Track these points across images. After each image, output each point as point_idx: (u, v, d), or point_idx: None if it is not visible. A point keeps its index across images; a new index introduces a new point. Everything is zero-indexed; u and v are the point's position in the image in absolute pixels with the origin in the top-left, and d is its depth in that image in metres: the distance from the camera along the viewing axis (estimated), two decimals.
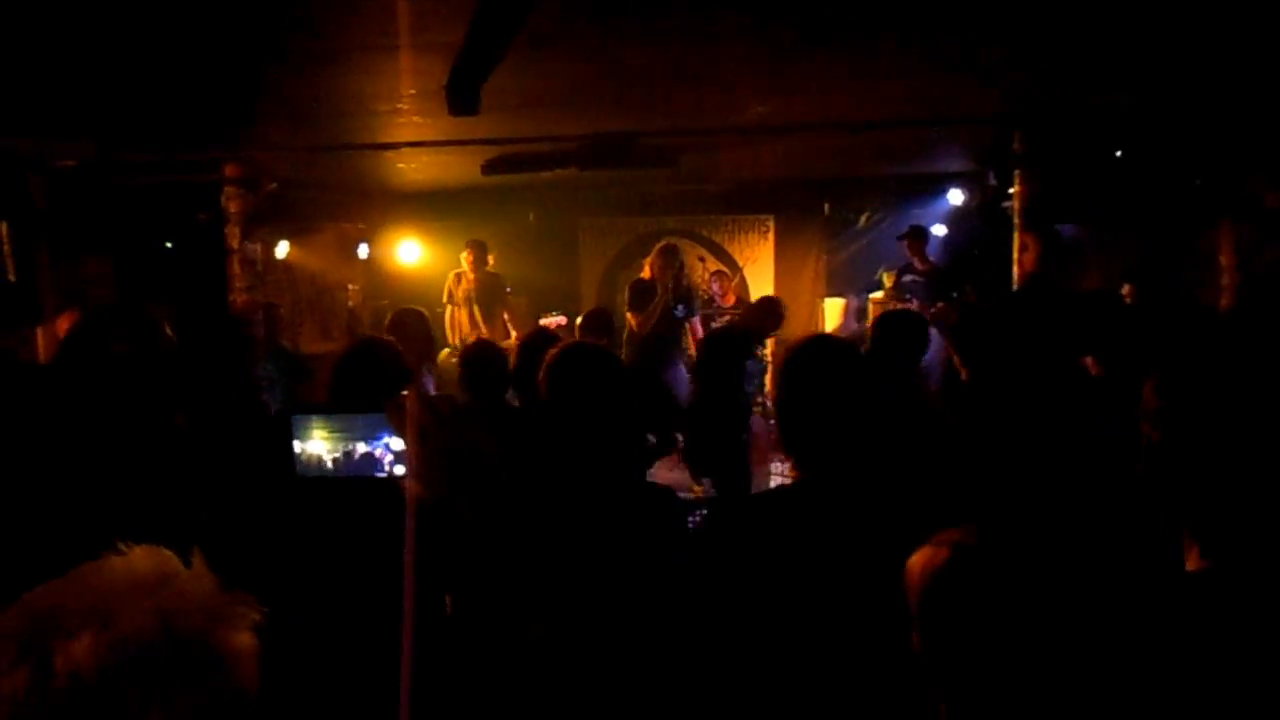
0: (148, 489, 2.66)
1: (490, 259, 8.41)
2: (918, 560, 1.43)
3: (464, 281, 8.14)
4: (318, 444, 1.66)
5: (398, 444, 1.57)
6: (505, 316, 8.25)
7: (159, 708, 0.88)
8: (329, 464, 1.65)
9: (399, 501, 1.29)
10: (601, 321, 5.88)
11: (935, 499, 2.31)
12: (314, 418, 1.66)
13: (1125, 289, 5.52)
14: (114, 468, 2.70)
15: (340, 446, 1.63)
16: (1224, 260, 6.05)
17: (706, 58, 4.19)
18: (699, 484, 6.96)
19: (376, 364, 2.51)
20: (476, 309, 7.99)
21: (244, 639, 0.96)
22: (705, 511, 4.29)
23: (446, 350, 8.20)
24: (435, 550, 1.27)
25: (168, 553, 1.00)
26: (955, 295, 7.60)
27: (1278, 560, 1.32)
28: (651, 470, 5.41)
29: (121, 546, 1.00)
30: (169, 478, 2.94)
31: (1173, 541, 1.48)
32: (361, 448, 1.61)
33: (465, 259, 8.14)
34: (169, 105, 4.66)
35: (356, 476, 1.63)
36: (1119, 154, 5.97)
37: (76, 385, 2.88)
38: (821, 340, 2.15)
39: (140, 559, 0.99)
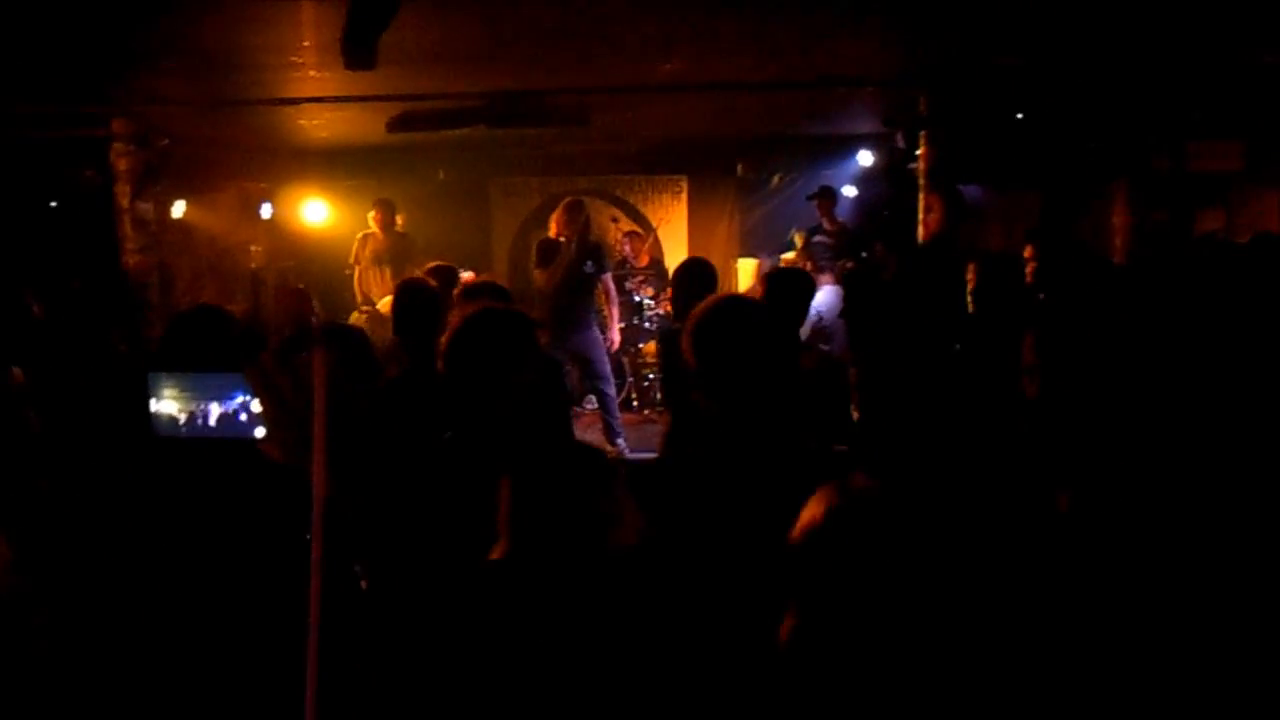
0: None
1: (399, 219, 8.22)
2: (811, 505, 1.48)
3: (371, 242, 7.95)
4: (172, 404, 1.60)
5: (257, 406, 1.53)
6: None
7: None
8: (183, 424, 1.60)
9: (260, 465, 1.25)
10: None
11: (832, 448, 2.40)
12: (169, 376, 1.60)
13: (1026, 249, 5.67)
14: None
15: (196, 406, 1.58)
16: (1117, 220, 6.26)
17: (611, 14, 4.12)
18: (613, 445, 6.98)
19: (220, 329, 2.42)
20: (387, 270, 7.81)
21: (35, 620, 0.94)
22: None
23: (355, 313, 8.02)
24: (299, 518, 1.23)
25: None
26: (864, 255, 7.72)
27: (1141, 504, 1.39)
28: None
29: None
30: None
31: (1047, 488, 1.54)
32: (216, 408, 1.56)
33: (373, 219, 7.94)
34: (45, 53, 4.40)
35: (217, 438, 1.58)
36: (1019, 116, 6.09)
37: None
38: (731, 301, 2.32)
39: None
